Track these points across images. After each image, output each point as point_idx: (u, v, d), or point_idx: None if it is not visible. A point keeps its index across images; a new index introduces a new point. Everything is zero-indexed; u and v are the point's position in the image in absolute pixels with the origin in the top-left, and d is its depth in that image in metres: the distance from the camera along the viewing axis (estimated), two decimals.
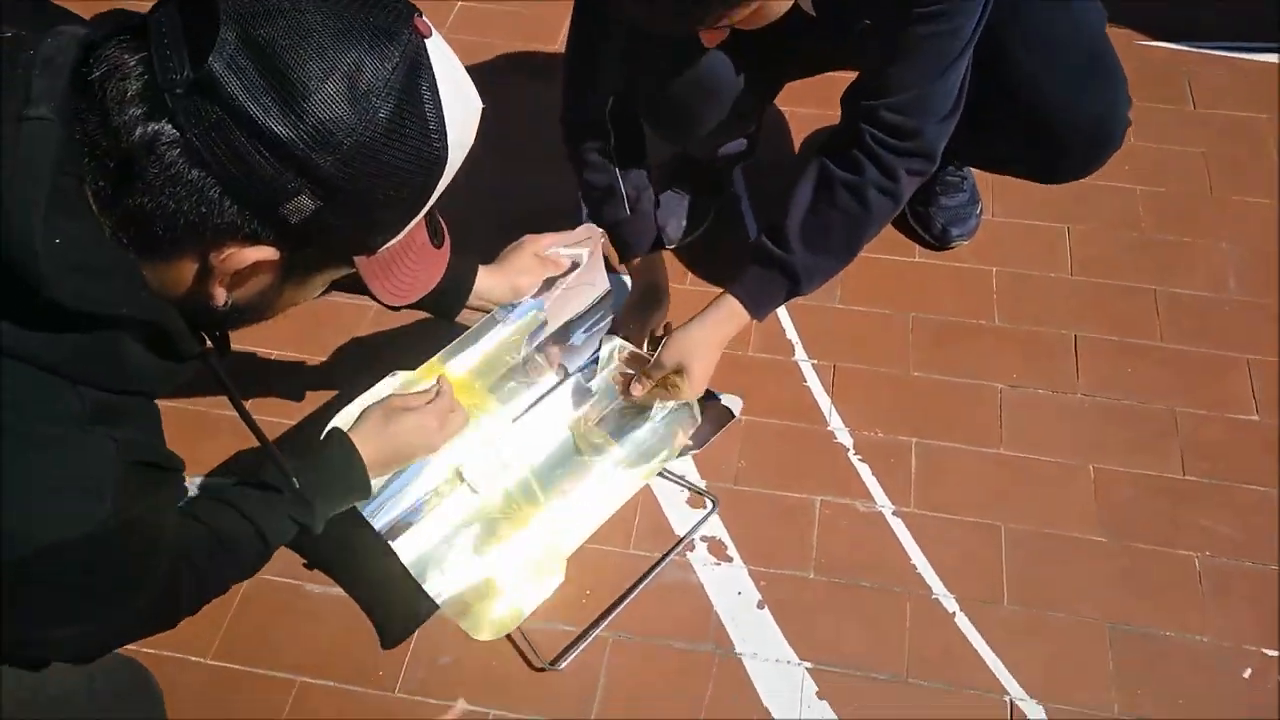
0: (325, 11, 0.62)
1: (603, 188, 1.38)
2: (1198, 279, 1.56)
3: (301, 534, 1.00)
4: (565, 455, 1.29)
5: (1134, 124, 1.76)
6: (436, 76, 0.66)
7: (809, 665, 1.20)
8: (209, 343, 0.82)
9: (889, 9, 1.12)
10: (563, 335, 1.30)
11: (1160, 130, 1.76)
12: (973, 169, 1.62)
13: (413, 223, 0.72)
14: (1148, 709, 1.15)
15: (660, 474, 1.32)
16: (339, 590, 1.26)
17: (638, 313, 1.40)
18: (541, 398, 1.30)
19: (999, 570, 1.26)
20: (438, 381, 1.14)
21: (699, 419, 1.32)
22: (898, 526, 1.31)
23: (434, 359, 1.19)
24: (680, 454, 1.34)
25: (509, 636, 1.20)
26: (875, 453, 1.38)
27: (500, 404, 1.26)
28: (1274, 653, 1.19)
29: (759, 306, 1.28)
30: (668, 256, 1.55)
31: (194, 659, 1.19)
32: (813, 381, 1.46)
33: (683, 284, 1.57)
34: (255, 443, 0.92)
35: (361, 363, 1.48)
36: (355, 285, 0.77)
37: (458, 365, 1.20)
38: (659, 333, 1.40)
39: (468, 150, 0.70)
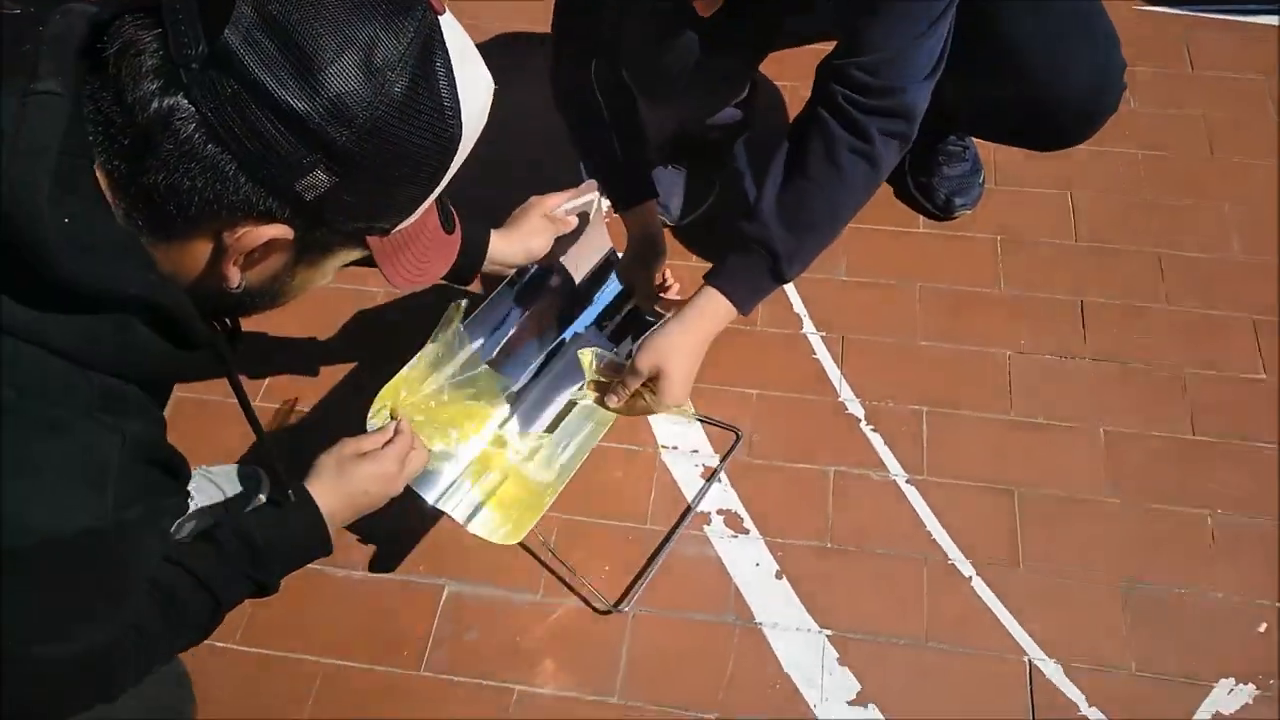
0: None
1: (594, 139, 1.38)
2: (1201, 241, 1.56)
3: (258, 594, 0.93)
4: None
5: (1134, 88, 1.78)
6: (450, 53, 0.65)
7: (829, 633, 1.21)
8: (220, 331, 0.81)
9: None
10: (572, 295, 1.30)
11: (1160, 94, 1.77)
12: (974, 138, 1.62)
13: (427, 202, 0.72)
14: (1164, 665, 1.16)
15: (681, 416, 1.27)
16: (363, 573, 1.27)
17: (638, 265, 1.40)
18: (549, 360, 1.30)
19: (1013, 534, 1.28)
20: (396, 423, 1.06)
21: (692, 417, 1.28)
22: (911, 494, 1.32)
23: (383, 397, 1.11)
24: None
25: (569, 585, 1.25)
26: (887, 422, 1.39)
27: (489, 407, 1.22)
28: None
29: (741, 295, 1.17)
30: (671, 240, 1.55)
31: (220, 644, 1.21)
32: (822, 354, 1.47)
33: (689, 262, 1.57)
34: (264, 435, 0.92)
35: (374, 342, 1.50)
36: (368, 264, 0.77)
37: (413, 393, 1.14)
38: (660, 280, 1.39)
39: (481, 129, 0.70)
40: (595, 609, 1.24)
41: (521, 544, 1.28)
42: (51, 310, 0.62)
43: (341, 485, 0.98)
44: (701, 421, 1.39)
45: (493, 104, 0.71)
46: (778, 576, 1.26)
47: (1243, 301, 1.48)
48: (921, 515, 1.30)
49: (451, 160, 0.68)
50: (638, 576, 1.26)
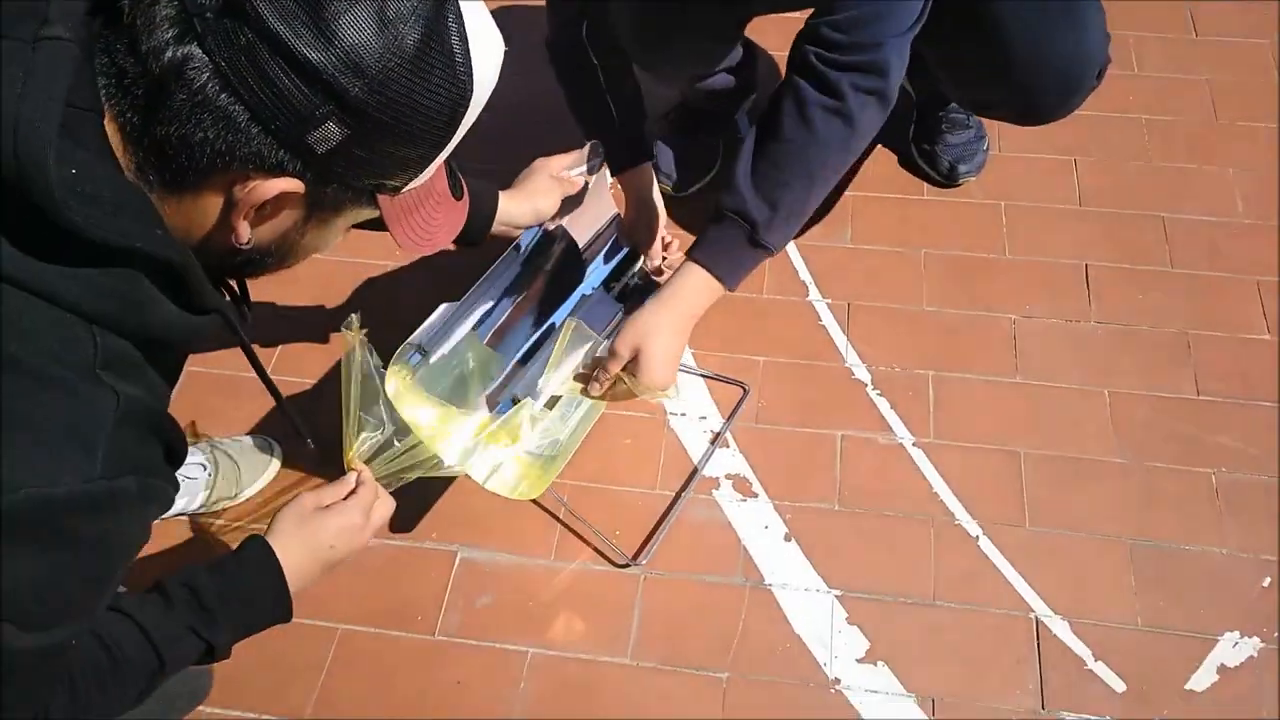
0: None
1: (588, 103, 1.37)
2: (1205, 204, 1.57)
3: (205, 656, 0.85)
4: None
5: (1138, 55, 1.78)
6: (463, 10, 0.66)
7: (838, 593, 1.23)
8: (230, 299, 0.81)
9: None
10: (578, 258, 1.31)
11: (1163, 60, 1.77)
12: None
13: (438, 160, 0.71)
14: (1169, 620, 1.18)
15: (664, 399, 1.26)
16: (376, 540, 1.28)
17: (639, 228, 1.40)
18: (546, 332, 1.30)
19: (1019, 494, 1.29)
20: (357, 474, 1.01)
21: (675, 394, 1.17)
22: (918, 457, 1.33)
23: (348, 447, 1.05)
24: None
25: (587, 541, 1.28)
26: (893, 387, 1.40)
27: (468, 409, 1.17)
28: None
29: (722, 267, 1.12)
30: (674, 212, 1.56)
31: None
32: (828, 320, 1.48)
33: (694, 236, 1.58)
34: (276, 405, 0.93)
35: (384, 311, 1.50)
36: (376, 227, 0.77)
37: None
38: (662, 242, 1.39)
39: (492, 88, 0.70)
40: (614, 564, 1.26)
41: (538, 503, 1.30)
42: (58, 262, 0.61)
43: (304, 541, 0.92)
44: (709, 378, 1.40)
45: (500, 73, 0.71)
46: (786, 539, 1.27)
47: (1246, 263, 1.49)
48: (928, 477, 1.31)
49: (462, 117, 0.68)
50: (654, 530, 1.28)
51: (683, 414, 1.39)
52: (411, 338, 1.13)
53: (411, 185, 0.72)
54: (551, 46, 1.38)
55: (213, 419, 1.39)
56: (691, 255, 1.14)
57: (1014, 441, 1.33)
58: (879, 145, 1.69)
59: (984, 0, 1.26)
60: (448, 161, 0.78)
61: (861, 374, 1.42)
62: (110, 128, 0.63)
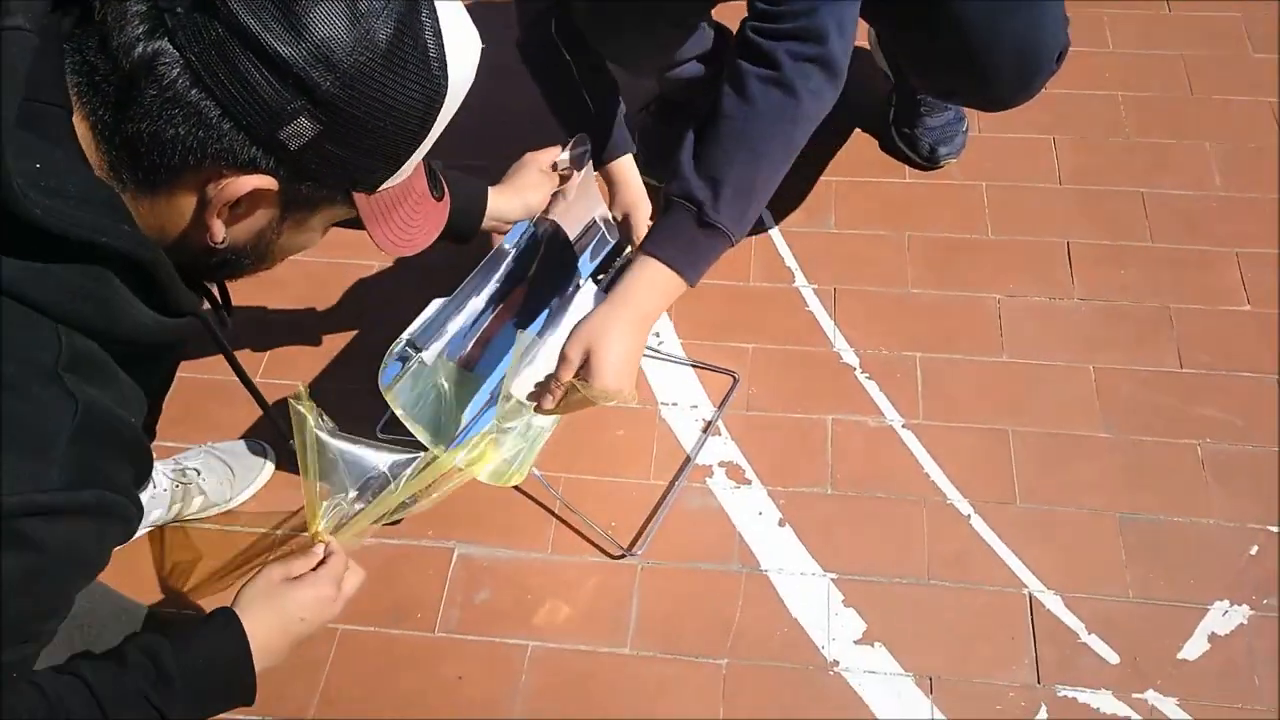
0: None
1: (564, 99, 1.38)
2: (1183, 178, 1.58)
3: None
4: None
5: (1112, 31, 1.80)
6: (437, 7, 0.65)
7: (833, 576, 1.24)
8: (209, 304, 0.80)
9: None
10: (568, 251, 1.32)
11: (1138, 35, 1.79)
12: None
13: (413, 158, 0.70)
14: (1160, 591, 1.20)
15: (670, 358, 1.22)
16: (373, 539, 1.29)
17: (625, 217, 1.40)
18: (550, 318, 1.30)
19: (1009, 472, 1.30)
20: (325, 544, 0.96)
21: (633, 399, 1.08)
22: (908, 438, 1.34)
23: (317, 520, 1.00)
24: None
25: (582, 534, 1.28)
26: (881, 370, 1.41)
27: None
28: (1276, 529, 1.23)
29: (673, 255, 1.06)
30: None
31: None
32: (815, 306, 1.49)
33: None
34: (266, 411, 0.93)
35: (376, 312, 1.51)
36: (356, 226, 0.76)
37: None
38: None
39: (468, 88, 0.70)
40: (609, 555, 1.27)
41: (533, 497, 1.31)
42: (22, 256, 0.59)
43: (274, 613, 0.87)
44: (698, 368, 1.41)
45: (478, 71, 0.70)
46: (780, 524, 1.28)
47: (1225, 236, 1.51)
48: (919, 458, 1.32)
49: (437, 114, 0.68)
50: (647, 520, 1.28)
51: (674, 404, 1.40)
52: (404, 334, 1.13)
53: (388, 184, 0.71)
54: (522, 46, 1.38)
55: (206, 424, 1.39)
56: (641, 248, 1.08)
57: (1002, 420, 1.35)
58: (858, 130, 1.70)
59: None
60: (427, 162, 0.77)
61: (850, 358, 1.43)
62: (81, 127, 0.62)
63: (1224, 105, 1.68)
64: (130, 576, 1.25)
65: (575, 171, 1.26)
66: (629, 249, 1.39)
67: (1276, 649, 1.14)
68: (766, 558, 1.25)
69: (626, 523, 1.29)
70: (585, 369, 1.04)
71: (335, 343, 1.50)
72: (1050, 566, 1.22)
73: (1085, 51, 1.76)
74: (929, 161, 1.63)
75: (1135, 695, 1.13)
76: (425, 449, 1.10)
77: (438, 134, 0.70)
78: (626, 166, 1.39)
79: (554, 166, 1.24)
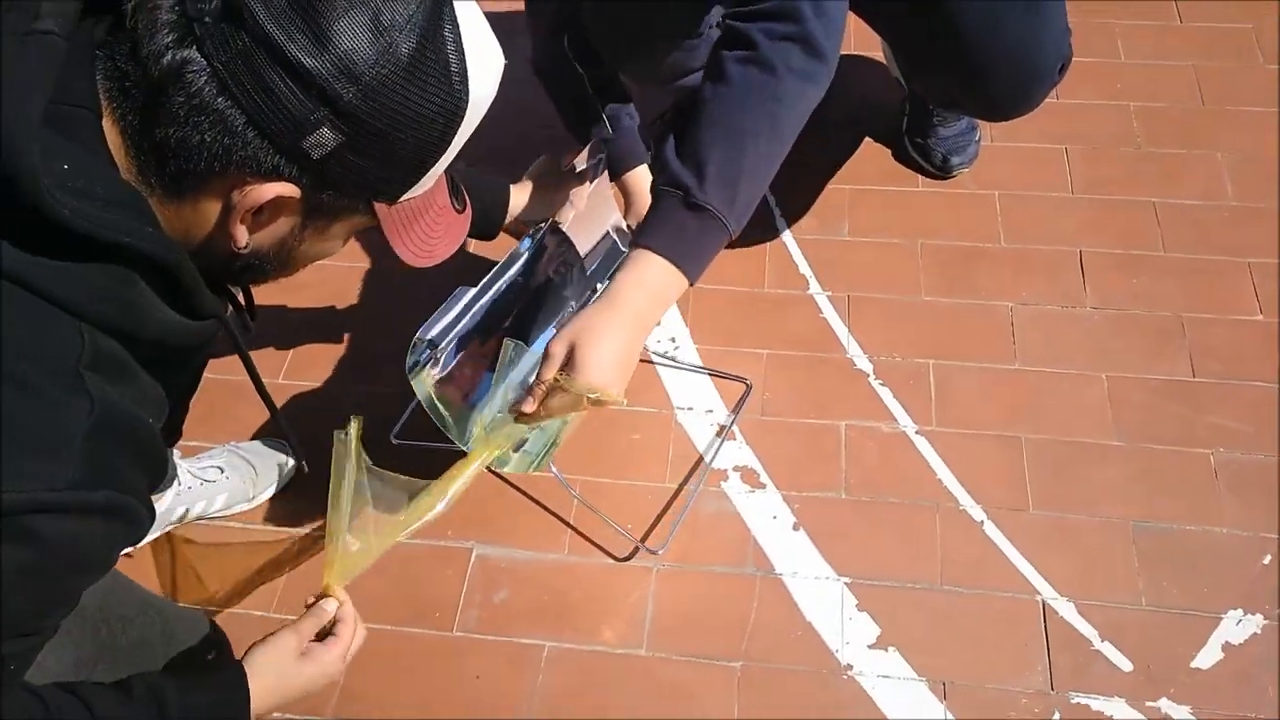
0: None
1: (579, 110, 1.39)
2: (1195, 188, 1.59)
3: None
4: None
5: (1124, 42, 1.81)
6: (460, 22, 0.66)
7: (847, 580, 1.25)
8: (232, 308, 0.82)
9: None
10: (580, 260, 1.33)
11: (1150, 46, 1.80)
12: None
13: (433, 170, 0.71)
14: (1173, 599, 1.20)
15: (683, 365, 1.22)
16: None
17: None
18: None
19: (1022, 479, 1.31)
20: (338, 605, 0.93)
21: (622, 400, 1.01)
22: (922, 444, 1.35)
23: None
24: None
25: (592, 540, 1.29)
26: (895, 376, 1.42)
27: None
28: None
29: (665, 244, 1.00)
30: None
31: (258, 613, 1.24)
32: (829, 312, 1.50)
33: None
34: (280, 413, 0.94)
35: (394, 313, 1.52)
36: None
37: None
38: None
39: (489, 103, 0.71)
40: (617, 559, 1.27)
41: (547, 506, 1.32)
42: (49, 256, 0.60)
43: (279, 688, 0.87)
44: (711, 374, 1.42)
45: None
46: (795, 528, 1.29)
47: (1237, 246, 1.52)
48: (932, 464, 1.33)
49: (457, 127, 0.69)
50: (659, 516, 1.30)
51: (690, 408, 1.41)
52: (420, 332, 1.14)
53: (409, 195, 0.72)
54: (536, 61, 1.40)
55: (230, 423, 1.41)
56: (631, 243, 1.03)
57: (1015, 427, 1.36)
58: (870, 139, 1.71)
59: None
60: (449, 174, 0.78)
61: (863, 364, 1.44)
62: (111, 131, 0.64)
63: (1236, 115, 1.69)
64: (155, 574, 1.27)
65: (590, 180, 1.27)
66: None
67: None
68: (781, 561, 1.26)
69: (642, 525, 1.30)
70: (569, 366, 0.98)
71: (356, 344, 1.52)
72: (1063, 573, 1.23)
73: (1097, 62, 1.78)
74: (942, 171, 1.64)
75: (1149, 703, 1.13)
76: (441, 454, 1.11)
77: (459, 147, 0.71)
78: (641, 176, 1.41)
79: (573, 168, 1.26)
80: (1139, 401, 1.37)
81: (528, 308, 1.27)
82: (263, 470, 1.32)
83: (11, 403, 0.59)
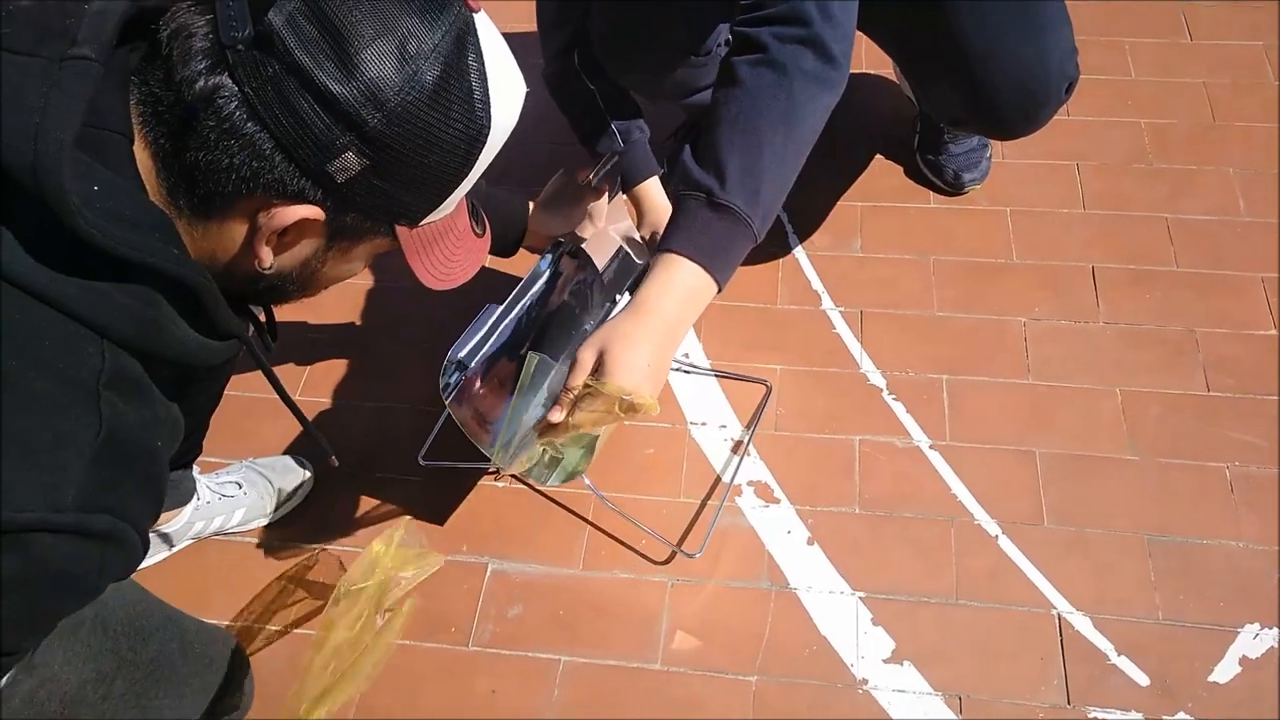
0: None
1: (591, 124, 1.41)
2: (1207, 204, 1.60)
3: None
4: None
5: (1136, 60, 1.82)
6: (484, 50, 0.68)
7: (862, 595, 1.25)
8: (254, 328, 0.83)
9: None
10: (598, 274, 1.34)
11: (1160, 64, 1.81)
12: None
13: (455, 194, 0.72)
14: (1190, 613, 1.20)
15: (700, 370, 1.22)
16: None
17: (656, 237, 1.42)
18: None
19: (1036, 493, 1.31)
20: None
21: (655, 407, 0.97)
22: (935, 459, 1.36)
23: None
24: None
25: (624, 543, 1.31)
26: (908, 391, 1.43)
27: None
28: None
29: (691, 246, 0.98)
30: None
31: (275, 628, 1.25)
32: (842, 328, 1.51)
33: None
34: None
35: (414, 330, 1.54)
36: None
37: None
38: None
39: (511, 129, 0.72)
40: (650, 561, 1.29)
41: (578, 515, 1.34)
42: (76, 275, 0.62)
43: None
44: (730, 378, 1.43)
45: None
46: (809, 543, 1.29)
47: (1250, 260, 1.52)
48: (946, 479, 1.34)
49: (479, 152, 0.70)
50: (692, 521, 1.31)
51: (704, 423, 1.42)
52: (451, 352, 1.16)
53: (430, 219, 0.74)
54: (548, 77, 1.42)
55: (248, 439, 1.42)
56: (657, 249, 1.02)
57: (1029, 441, 1.36)
58: (882, 156, 1.73)
59: (948, 11, 1.28)
60: (470, 200, 0.80)
61: (876, 379, 1.45)
62: (143, 155, 0.65)
63: (1246, 132, 1.69)
64: (175, 587, 1.27)
65: (608, 195, 1.29)
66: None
67: None
68: (795, 576, 1.27)
69: (657, 540, 1.30)
70: (599, 371, 0.96)
71: (375, 361, 1.53)
72: (1079, 587, 1.23)
73: (1107, 80, 1.79)
74: (954, 187, 1.65)
75: (1166, 717, 1.13)
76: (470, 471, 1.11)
77: (480, 172, 0.72)
78: (653, 188, 1.43)
79: (589, 183, 1.28)
80: (1153, 416, 1.37)
81: (547, 327, 1.28)
82: (281, 486, 1.33)
83: (27, 419, 0.60)
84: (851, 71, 1.08)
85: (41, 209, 0.59)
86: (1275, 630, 1.18)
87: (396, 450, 1.40)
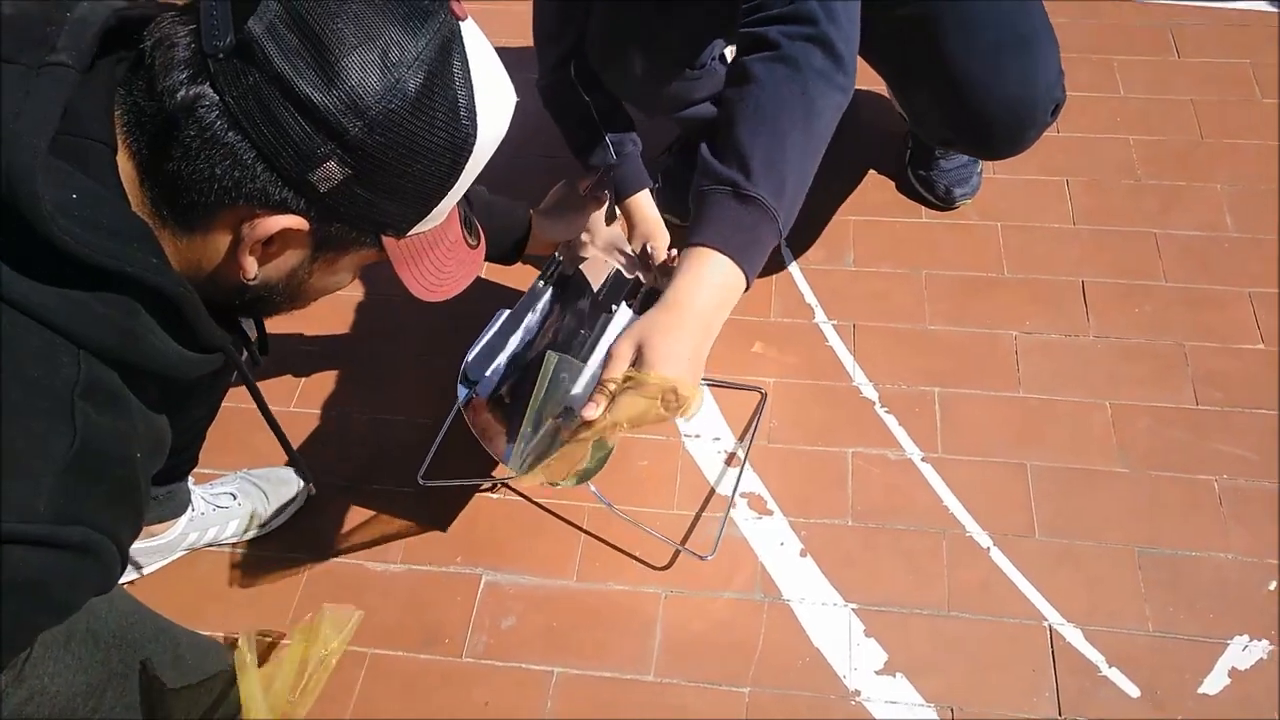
0: None
1: (585, 136, 1.42)
2: (1196, 219, 1.62)
3: None
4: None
5: (1125, 77, 1.84)
6: (470, 61, 0.67)
7: (854, 606, 1.25)
8: (244, 343, 0.82)
9: None
10: (590, 295, 1.35)
11: (1149, 81, 1.83)
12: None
13: (442, 204, 0.71)
14: (1180, 625, 1.21)
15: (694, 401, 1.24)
16: (402, 566, 1.32)
17: (646, 248, 1.43)
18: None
19: (1028, 505, 1.32)
20: None
21: (698, 404, 0.97)
22: (927, 471, 1.36)
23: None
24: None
25: (625, 551, 1.31)
26: (900, 404, 1.44)
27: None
28: None
29: (719, 237, 0.96)
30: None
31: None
32: (835, 341, 1.52)
33: None
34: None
35: (409, 342, 1.55)
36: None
37: None
38: (667, 260, 1.36)
39: (500, 139, 0.72)
40: (662, 562, 1.30)
41: (571, 522, 1.34)
42: (54, 284, 0.61)
43: None
44: (725, 386, 1.44)
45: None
46: (802, 554, 1.30)
47: (1237, 275, 1.53)
48: (938, 491, 1.34)
49: (465, 162, 0.69)
50: (689, 531, 1.32)
51: (697, 435, 1.43)
52: (465, 367, 1.16)
53: (418, 229, 0.73)
54: (543, 89, 1.44)
55: (242, 451, 1.42)
56: (686, 243, 0.99)
57: (1020, 454, 1.37)
58: (875, 171, 1.74)
59: (939, 35, 1.30)
60: (463, 210, 0.79)
61: (869, 392, 1.45)
62: (127, 165, 0.65)
63: (1234, 148, 1.72)
64: (167, 599, 1.27)
65: (606, 206, 1.30)
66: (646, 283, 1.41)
67: None
68: (788, 587, 1.27)
69: (653, 549, 1.31)
70: (639, 364, 0.92)
71: (371, 372, 1.53)
72: (1070, 599, 1.24)
73: (1097, 97, 1.81)
74: (945, 202, 1.67)
75: None
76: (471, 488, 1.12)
77: (468, 182, 0.72)
78: (644, 201, 1.44)
79: (589, 193, 1.29)
80: (1143, 429, 1.38)
81: (550, 349, 1.29)
82: (275, 497, 1.33)
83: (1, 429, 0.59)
84: None
85: (20, 218, 0.59)
86: (1264, 642, 1.19)
87: (392, 462, 1.40)
